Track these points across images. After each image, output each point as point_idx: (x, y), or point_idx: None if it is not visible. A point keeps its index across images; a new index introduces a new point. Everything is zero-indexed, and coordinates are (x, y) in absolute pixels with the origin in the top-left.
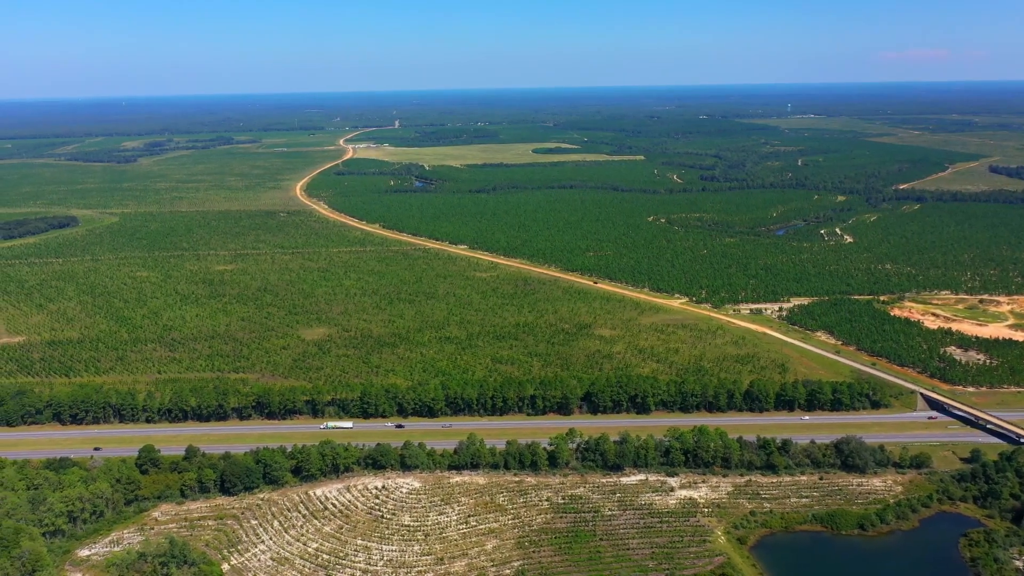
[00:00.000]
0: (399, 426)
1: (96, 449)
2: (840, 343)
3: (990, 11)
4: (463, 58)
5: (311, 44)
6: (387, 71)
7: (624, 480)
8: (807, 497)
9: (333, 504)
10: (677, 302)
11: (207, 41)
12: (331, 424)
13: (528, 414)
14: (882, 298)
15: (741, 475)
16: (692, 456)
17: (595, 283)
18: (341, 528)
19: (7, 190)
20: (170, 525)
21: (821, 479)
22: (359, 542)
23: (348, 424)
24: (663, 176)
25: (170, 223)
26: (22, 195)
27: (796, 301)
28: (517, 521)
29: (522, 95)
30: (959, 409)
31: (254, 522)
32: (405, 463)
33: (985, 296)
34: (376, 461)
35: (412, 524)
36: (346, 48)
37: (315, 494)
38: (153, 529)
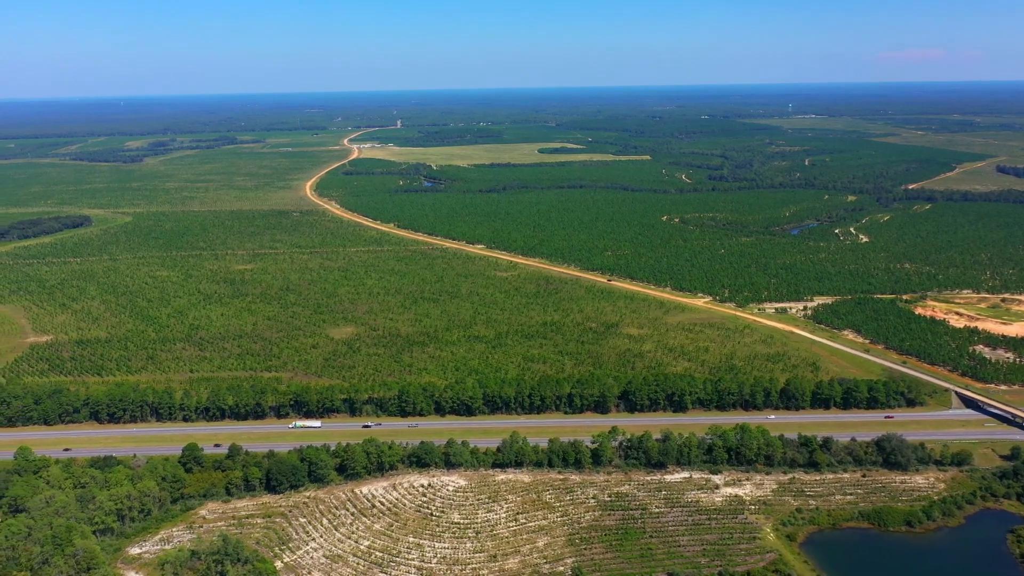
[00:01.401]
0: (366, 426)
1: (217, 446)
2: (868, 342)
3: (985, 11)
4: (463, 58)
5: (310, 44)
6: (387, 71)
7: (668, 478)
8: (852, 494)
9: (381, 502)
10: (701, 301)
11: (204, 41)
12: (299, 424)
13: (566, 412)
14: (904, 297)
15: (784, 472)
16: (735, 454)
17: (608, 280)
18: (391, 526)
19: (16, 190)
20: (218, 523)
21: (864, 476)
22: (411, 539)
23: (317, 423)
24: (671, 176)
25: (184, 223)
26: (32, 195)
27: (819, 300)
28: (566, 519)
29: (522, 95)
30: (995, 407)
31: (303, 520)
32: (449, 461)
33: (1007, 295)
34: (420, 459)
35: (462, 521)
36: (346, 48)
37: (361, 492)
38: (202, 527)
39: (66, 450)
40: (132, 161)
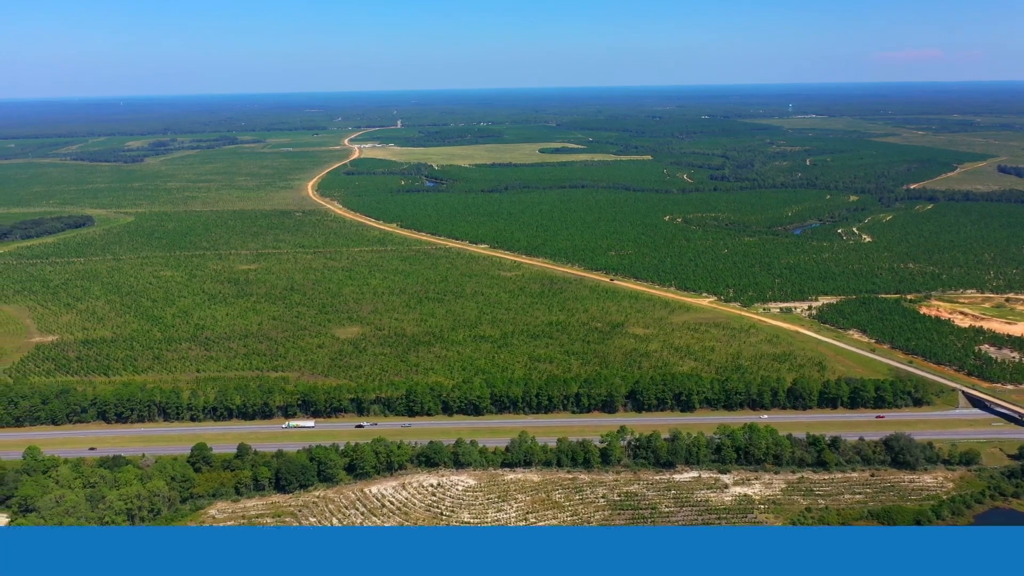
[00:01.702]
0: (359, 426)
1: (241, 448)
2: (874, 341)
3: (984, 11)
4: (463, 58)
5: (310, 44)
6: (386, 71)
7: (677, 477)
8: (860, 494)
9: (390, 502)
10: (705, 301)
11: (204, 41)
12: (293, 423)
13: (573, 412)
14: (909, 297)
15: (793, 472)
16: (743, 453)
17: (611, 280)
18: (402, 525)
19: (18, 189)
20: (228, 522)
21: (873, 476)
22: None
23: (310, 423)
24: (673, 176)
25: (186, 222)
26: (34, 195)
27: (824, 300)
28: (576, 518)
29: (522, 95)
30: (1002, 406)
31: (313, 519)
32: (458, 460)
33: (1011, 295)
34: (429, 459)
35: (472, 521)
36: (346, 48)
37: (371, 492)
38: None
39: (92, 449)
40: (133, 161)
